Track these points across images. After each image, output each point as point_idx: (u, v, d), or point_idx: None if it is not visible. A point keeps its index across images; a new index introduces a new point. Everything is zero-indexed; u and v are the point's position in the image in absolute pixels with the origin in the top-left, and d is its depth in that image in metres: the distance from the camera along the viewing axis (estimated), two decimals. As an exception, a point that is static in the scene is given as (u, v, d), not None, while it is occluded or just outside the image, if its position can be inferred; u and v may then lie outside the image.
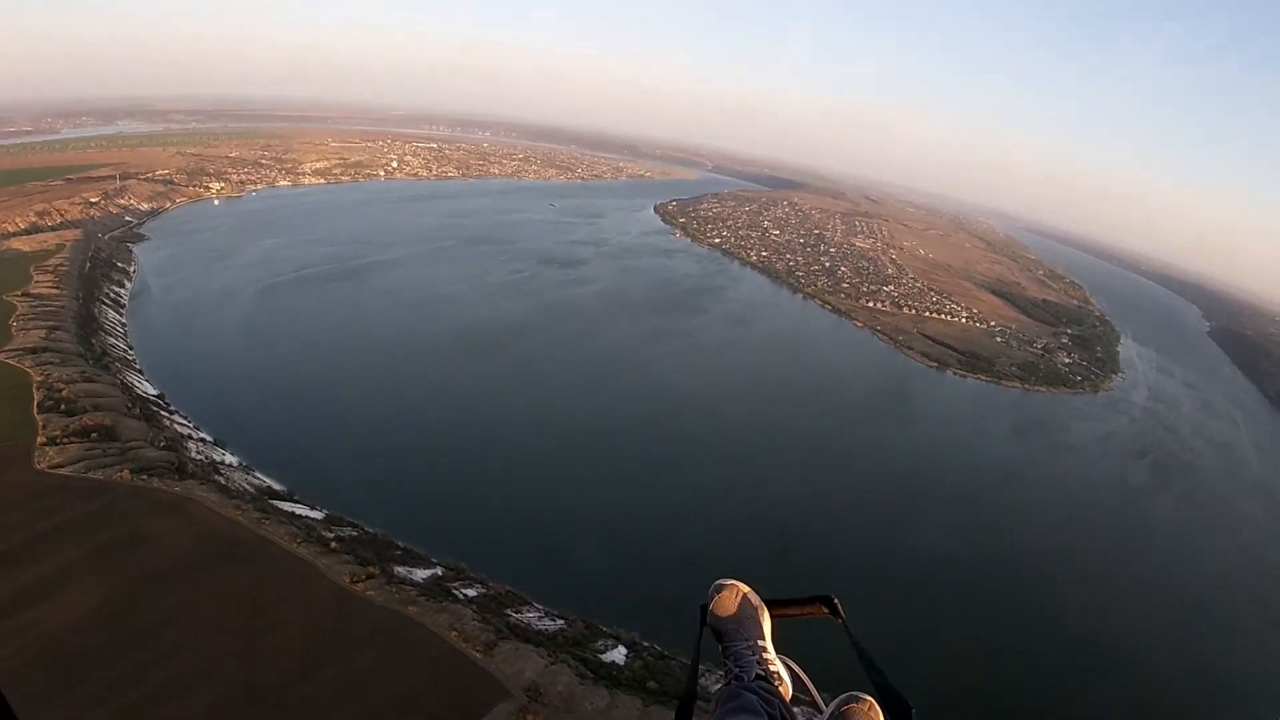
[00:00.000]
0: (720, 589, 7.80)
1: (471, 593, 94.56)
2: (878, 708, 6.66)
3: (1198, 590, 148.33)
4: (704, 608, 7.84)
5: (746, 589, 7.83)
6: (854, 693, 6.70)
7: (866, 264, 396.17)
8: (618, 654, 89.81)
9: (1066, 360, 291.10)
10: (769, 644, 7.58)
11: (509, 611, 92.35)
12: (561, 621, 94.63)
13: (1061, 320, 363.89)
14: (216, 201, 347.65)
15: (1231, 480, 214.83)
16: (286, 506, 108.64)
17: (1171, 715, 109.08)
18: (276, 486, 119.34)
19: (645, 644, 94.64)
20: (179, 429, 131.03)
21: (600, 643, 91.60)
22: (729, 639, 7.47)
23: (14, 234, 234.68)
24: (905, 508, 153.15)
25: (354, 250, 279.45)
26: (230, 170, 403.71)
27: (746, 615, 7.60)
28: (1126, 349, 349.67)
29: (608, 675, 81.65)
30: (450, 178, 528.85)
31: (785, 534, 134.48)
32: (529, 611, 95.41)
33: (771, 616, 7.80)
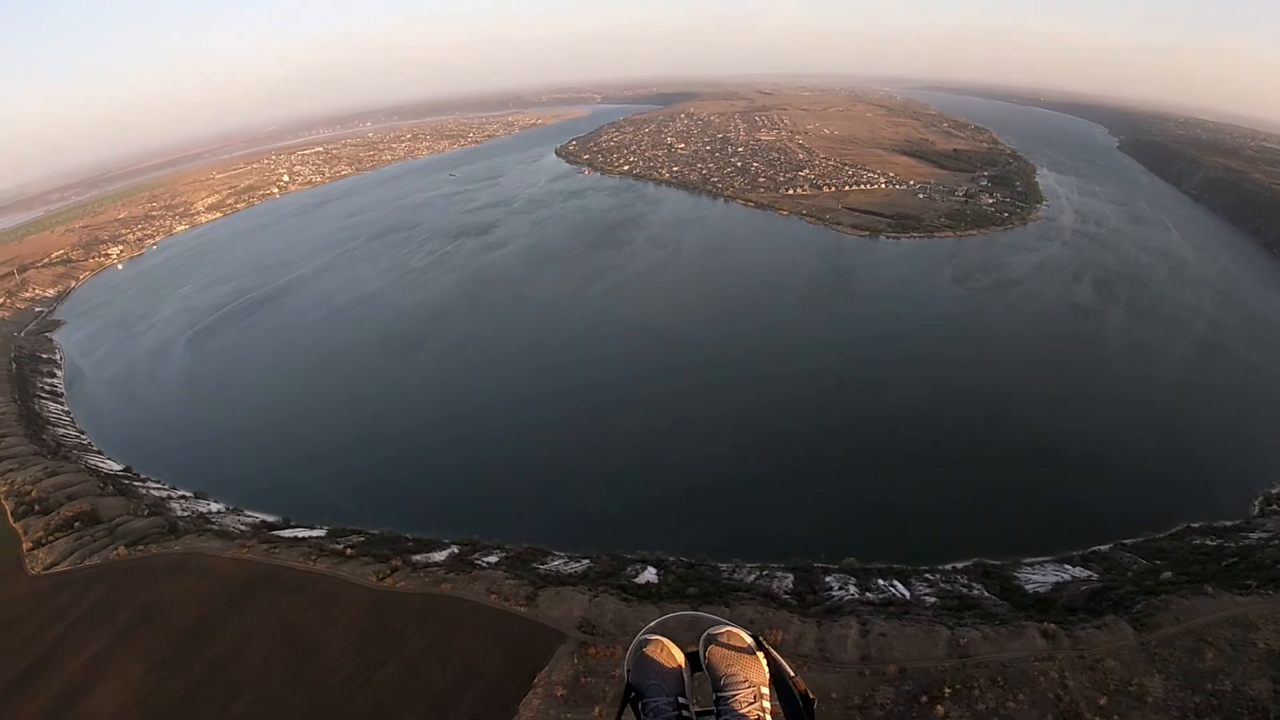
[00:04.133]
0: (641, 645, 7.63)
1: (493, 559, 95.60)
2: (740, 632, 7.49)
3: (1166, 381, 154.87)
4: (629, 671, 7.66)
5: (667, 641, 7.66)
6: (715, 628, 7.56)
7: (776, 154, 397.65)
8: (649, 574, 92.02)
9: (990, 201, 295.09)
10: (689, 697, 7.47)
11: (535, 565, 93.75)
12: (586, 561, 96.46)
13: (976, 165, 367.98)
14: (120, 266, 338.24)
15: (1175, 279, 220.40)
16: (288, 534, 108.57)
17: (1160, 502, 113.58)
18: (270, 519, 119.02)
19: (670, 559, 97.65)
20: (156, 494, 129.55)
21: (630, 569, 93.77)
22: (650, 694, 7.35)
23: None
24: (873, 375, 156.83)
25: (268, 275, 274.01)
26: (125, 231, 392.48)
27: (666, 669, 7.47)
28: (1045, 178, 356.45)
29: (648, 594, 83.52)
30: (345, 176, 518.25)
31: (765, 426, 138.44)
32: (553, 560, 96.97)
33: (695, 669, 7.65)
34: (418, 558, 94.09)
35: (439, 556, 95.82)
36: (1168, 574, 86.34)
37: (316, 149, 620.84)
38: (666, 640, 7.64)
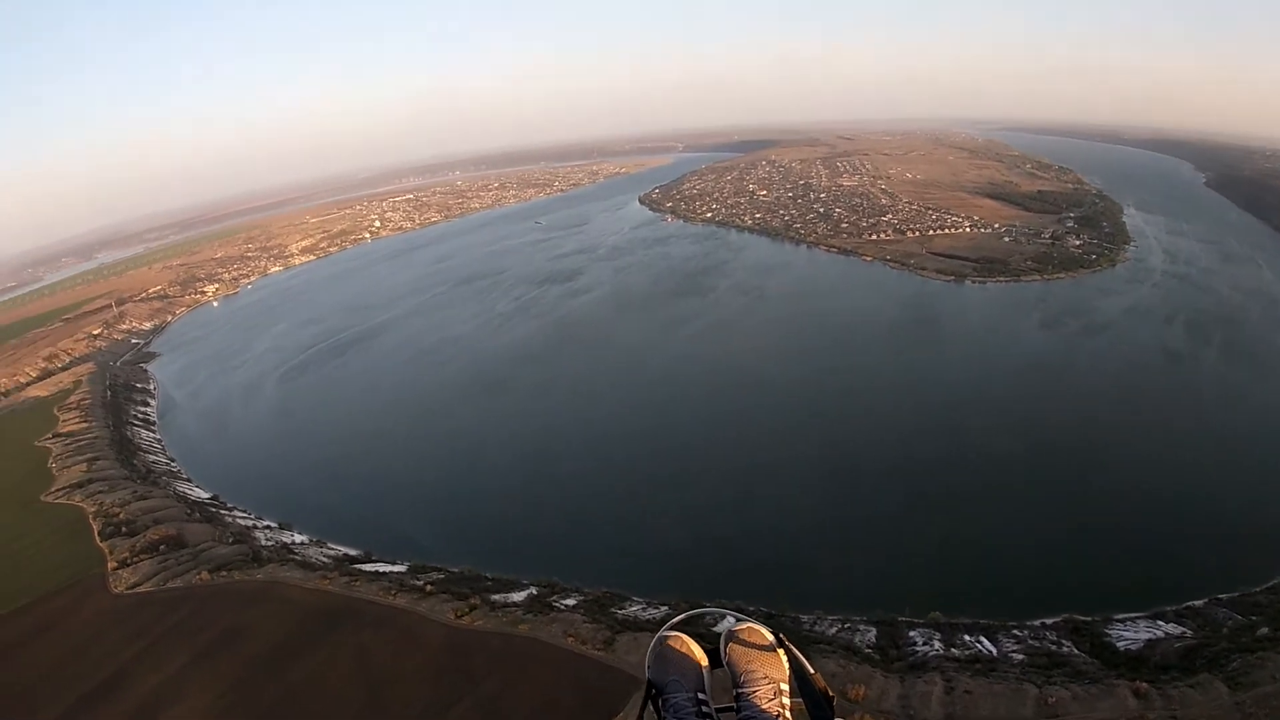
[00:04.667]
0: (661, 641, 7.78)
1: (571, 602, 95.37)
2: (761, 629, 7.66)
3: (1262, 429, 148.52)
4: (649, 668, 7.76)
5: (687, 638, 7.79)
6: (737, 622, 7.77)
7: (859, 200, 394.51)
8: (727, 624, 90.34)
9: (1077, 243, 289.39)
10: (709, 693, 7.53)
11: (613, 609, 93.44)
12: (665, 608, 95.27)
13: (1061, 206, 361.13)
14: (215, 303, 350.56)
15: (1270, 320, 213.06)
16: (369, 568, 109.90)
17: (1257, 553, 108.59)
18: (353, 553, 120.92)
19: (750, 608, 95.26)
20: (242, 522, 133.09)
21: (708, 617, 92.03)
22: (669, 691, 7.45)
23: (27, 383, 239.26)
24: (959, 422, 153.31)
25: (358, 316, 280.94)
26: (221, 270, 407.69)
27: (687, 665, 7.58)
28: (1131, 218, 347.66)
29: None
30: (434, 223, 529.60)
31: (849, 473, 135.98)
32: (631, 606, 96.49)
33: (715, 665, 7.75)
34: (496, 597, 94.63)
35: (517, 597, 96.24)
36: (1264, 630, 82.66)
37: (407, 196, 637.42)
38: (687, 637, 7.80)
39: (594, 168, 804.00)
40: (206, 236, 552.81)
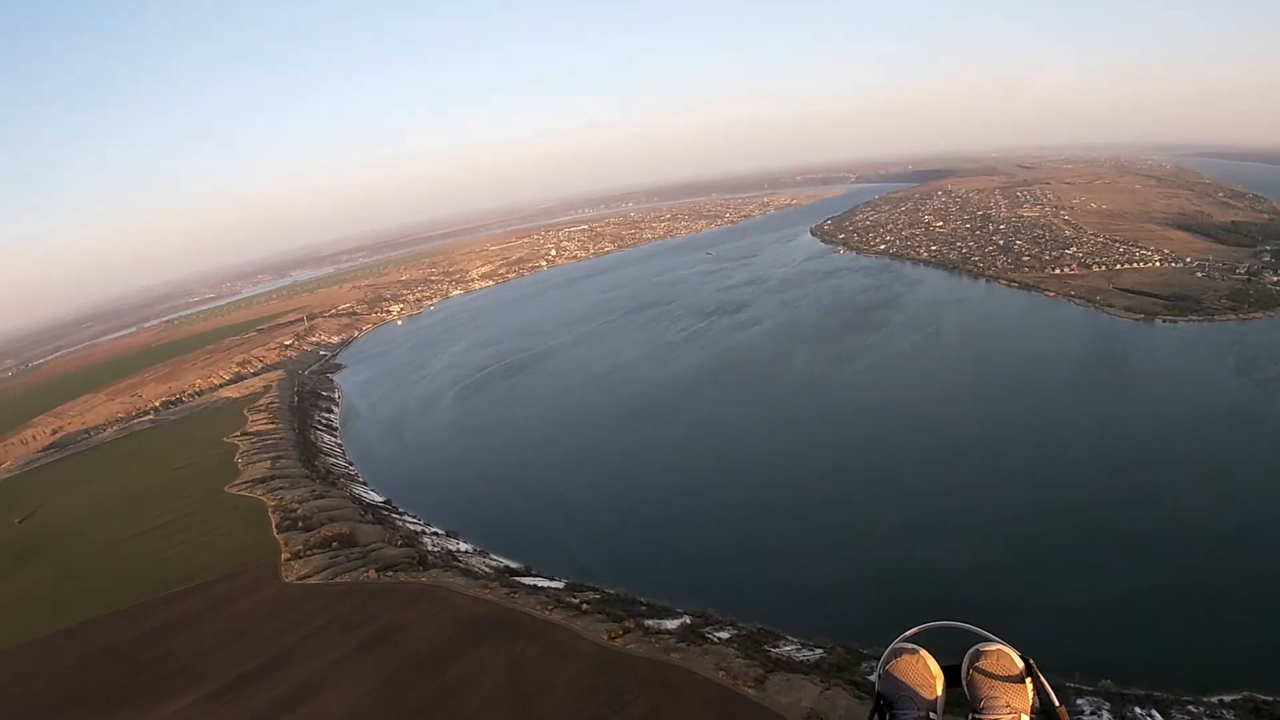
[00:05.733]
0: (896, 654, 7.43)
1: (725, 635, 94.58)
2: (1010, 654, 7.17)
3: None
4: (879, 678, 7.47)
5: (925, 653, 7.43)
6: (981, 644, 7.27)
7: (1041, 232, 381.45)
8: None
9: (1275, 279, 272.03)
10: (940, 713, 7.28)
11: (767, 647, 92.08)
12: (820, 651, 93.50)
13: (1258, 239, 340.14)
14: (399, 322, 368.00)
15: None
16: (528, 581, 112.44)
17: None
18: (514, 565, 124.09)
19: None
20: (411, 527, 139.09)
21: (864, 665, 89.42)
22: (899, 707, 7.18)
23: (221, 385, 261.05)
24: (1146, 476, 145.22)
25: (531, 340, 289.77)
26: (405, 292, 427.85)
27: (922, 682, 7.27)
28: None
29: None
30: (608, 252, 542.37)
31: (1022, 527, 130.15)
32: (785, 645, 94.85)
33: (951, 684, 7.45)
34: (650, 622, 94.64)
35: (670, 624, 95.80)
36: None
37: (582, 226, 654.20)
38: (924, 651, 7.47)
39: (765, 199, 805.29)
40: (394, 260, 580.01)
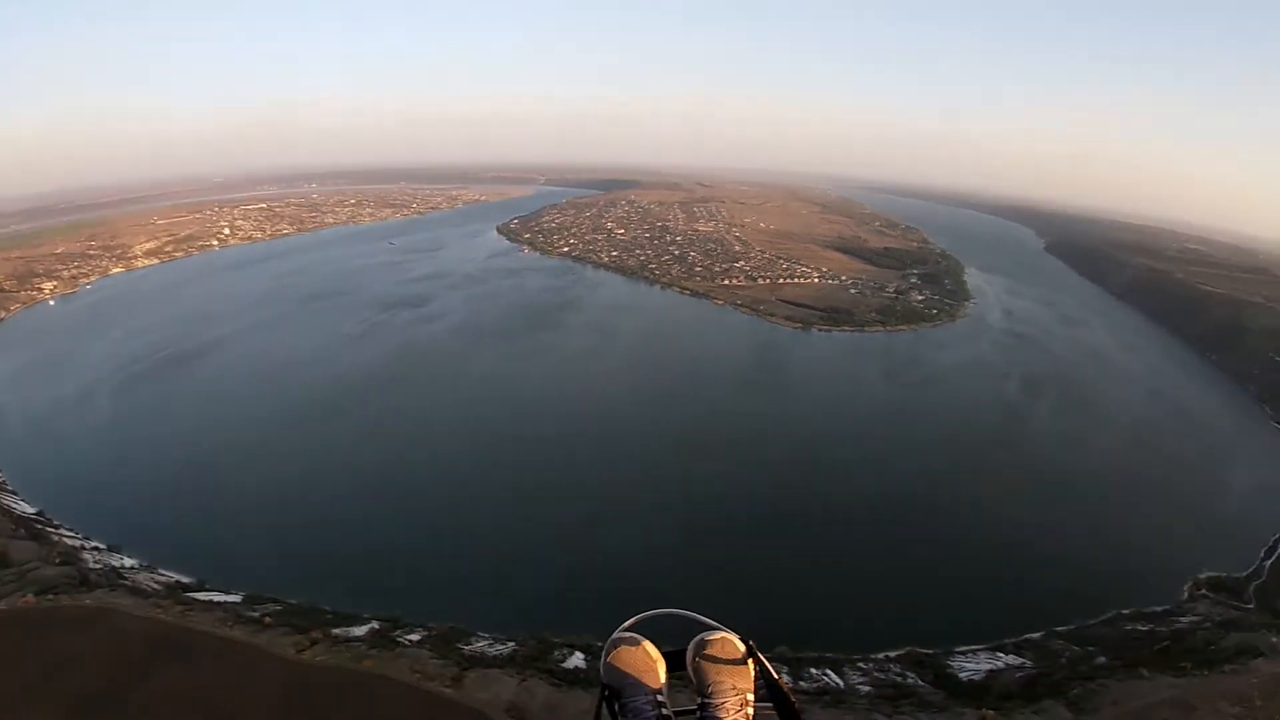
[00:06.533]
0: (616, 644, 7.82)
1: (415, 637, 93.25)
2: (732, 639, 7.60)
3: (1093, 473, 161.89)
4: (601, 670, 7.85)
5: (645, 642, 7.77)
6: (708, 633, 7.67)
7: (714, 245, 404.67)
8: (577, 659, 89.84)
9: (920, 298, 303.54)
10: (666, 696, 7.62)
11: (460, 645, 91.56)
12: (512, 644, 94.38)
13: (907, 263, 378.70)
14: (52, 302, 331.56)
15: (1101, 375, 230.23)
16: (203, 596, 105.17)
17: (1090, 590, 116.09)
18: (185, 580, 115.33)
19: (597, 644, 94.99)
20: (69, 542, 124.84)
21: (557, 653, 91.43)
22: (627, 695, 7.48)
23: None
24: (801, 464, 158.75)
25: (201, 328, 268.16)
26: (60, 267, 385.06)
27: (644, 669, 7.58)
28: (973, 277, 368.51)
29: (577, 680, 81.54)
30: (285, 234, 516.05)
31: (694, 513, 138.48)
32: (478, 641, 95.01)
33: (675, 669, 7.81)
34: (337, 631, 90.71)
35: (359, 631, 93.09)
36: (1102, 659, 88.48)
37: (260, 205, 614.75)
38: (644, 640, 7.74)
39: (454, 193, 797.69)
40: (50, 230, 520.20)
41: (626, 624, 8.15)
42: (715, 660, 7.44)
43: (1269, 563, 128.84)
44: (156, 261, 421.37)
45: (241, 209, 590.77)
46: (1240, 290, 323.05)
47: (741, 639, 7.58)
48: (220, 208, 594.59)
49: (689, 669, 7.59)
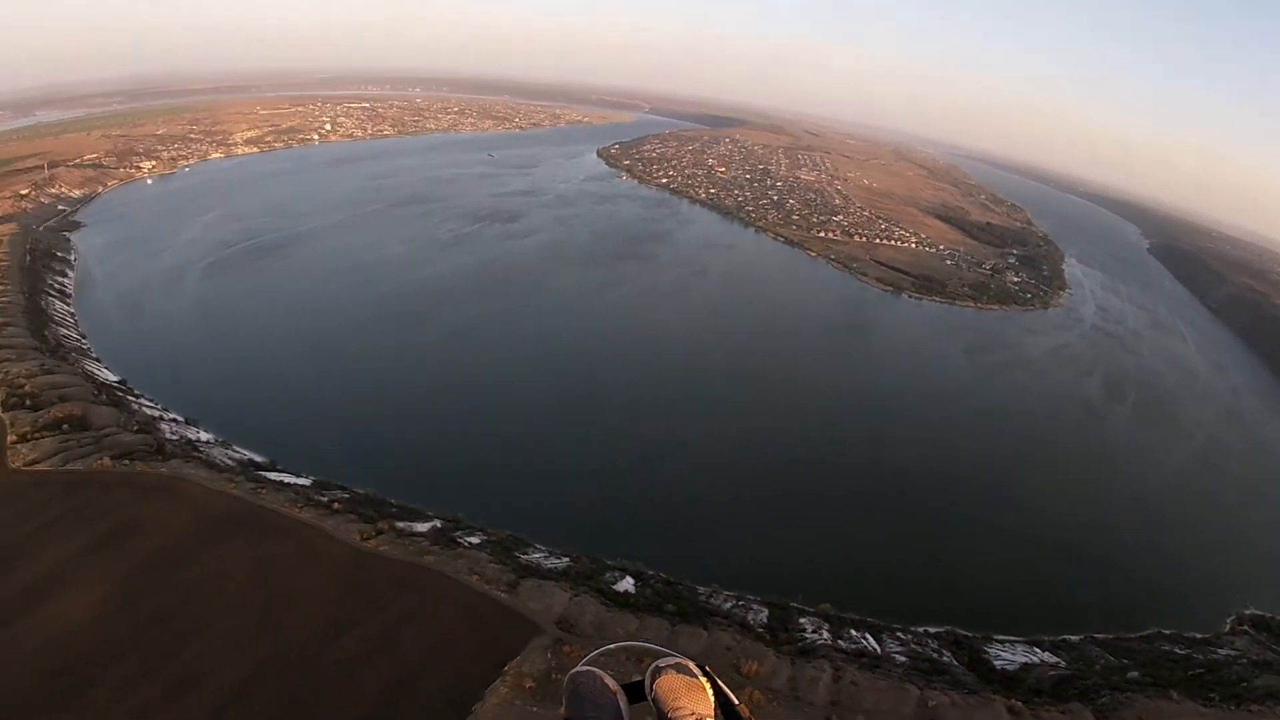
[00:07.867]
0: (577, 677, 7.66)
1: (475, 540, 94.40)
2: (688, 664, 7.40)
3: (1158, 487, 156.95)
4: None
5: (601, 674, 7.66)
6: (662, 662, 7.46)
7: (814, 195, 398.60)
8: (628, 584, 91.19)
9: (1015, 279, 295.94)
10: None
11: (517, 553, 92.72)
12: (567, 559, 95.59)
13: (1007, 242, 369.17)
14: (150, 181, 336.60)
15: (1184, 390, 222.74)
16: (274, 476, 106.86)
17: (1134, 603, 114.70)
18: (258, 459, 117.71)
19: (649, 573, 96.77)
20: (148, 412, 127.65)
21: (609, 575, 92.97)
22: None
23: None
24: (872, 430, 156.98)
25: (290, 220, 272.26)
26: (160, 148, 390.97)
27: (604, 701, 7.46)
28: (1071, 267, 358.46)
29: (626, 603, 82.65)
30: (386, 136, 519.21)
31: (761, 460, 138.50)
32: (534, 552, 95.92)
33: (634, 700, 7.62)
34: (401, 524, 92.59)
35: (422, 527, 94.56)
36: (1134, 674, 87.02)
37: (364, 104, 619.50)
38: (600, 671, 7.66)
39: (557, 111, 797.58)
40: (152, 111, 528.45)
41: (588, 656, 8.23)
42: (673, 687, 7.41)
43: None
44: (256, 150, 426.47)
45: (345, 106, 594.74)
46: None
47: (698, 665, 7.56)
48: (324, 103, 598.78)
49: (648, 699, 7.50)
